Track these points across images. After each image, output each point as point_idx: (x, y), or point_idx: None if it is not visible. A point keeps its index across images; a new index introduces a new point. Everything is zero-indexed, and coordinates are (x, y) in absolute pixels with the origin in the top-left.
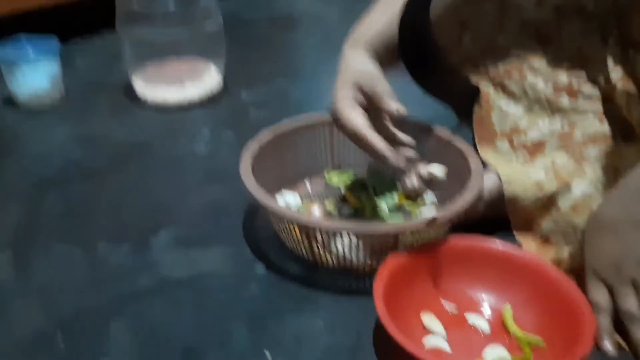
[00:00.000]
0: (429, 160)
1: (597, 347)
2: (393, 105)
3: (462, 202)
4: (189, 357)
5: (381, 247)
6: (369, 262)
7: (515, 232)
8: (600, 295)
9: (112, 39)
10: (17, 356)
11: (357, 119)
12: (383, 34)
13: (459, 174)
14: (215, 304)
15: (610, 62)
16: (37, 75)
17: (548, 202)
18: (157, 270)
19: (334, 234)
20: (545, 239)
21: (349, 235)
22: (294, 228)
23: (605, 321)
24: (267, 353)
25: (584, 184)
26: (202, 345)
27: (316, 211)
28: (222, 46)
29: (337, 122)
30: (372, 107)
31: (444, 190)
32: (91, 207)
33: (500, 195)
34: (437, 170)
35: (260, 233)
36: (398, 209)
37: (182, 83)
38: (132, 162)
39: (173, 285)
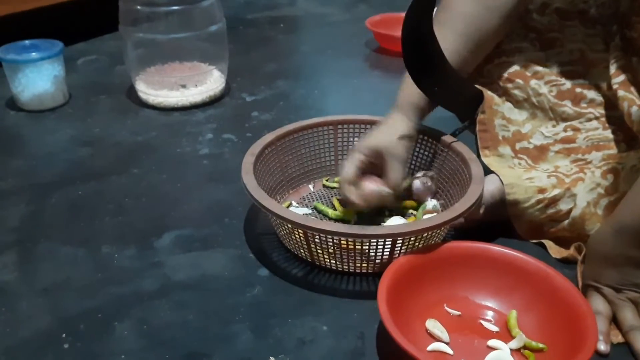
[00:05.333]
0: (431, 166)
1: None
2: (390, 195)
3: (462, 207)
4: (193, 359)
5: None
6: (371, 265)
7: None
8: (600, 305)
9: (115, 41)
10: (22, 357)
11: (346, 173)
12: (418, 93)
13: (460, 179)
14: (218, 307)
15: (612, 68)
16: (40, 77)
17: (550, 207)
18: (161, 272)
19: (332, 238)
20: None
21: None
22: (293, 231)
23: (602, 323)
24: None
25: (587, 191)
26: (205, 347)
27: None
28: (224, 48)
29: (341, 167)
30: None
31: (445, 195)
32: (95, 208)
33: (502, 199)
34: (431, 204)
35: (264, 235)
36: (400, 213)
37: (184, 84)
38: (135, 163)
39: (177, 287)
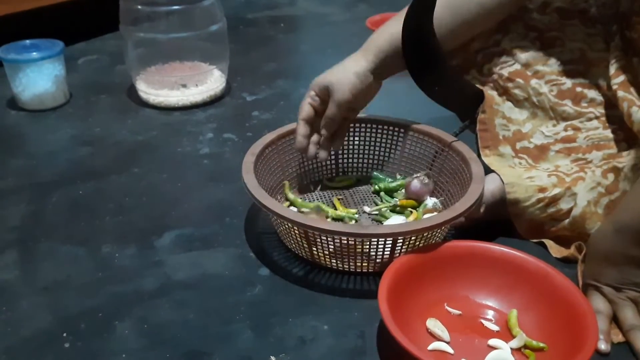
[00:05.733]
0: (432, 166)
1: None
2: (321, 131)
3: (463, 206)
4: (193, 359)
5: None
6: (372, 264)
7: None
8: (601, 304)
9: (115, 41)
10: (23, 356)
11: (302, 111)
12: (395, 38)
13: (461, 178)
14: (219, 306)
15: (611, 68)
16: (41, 76)
17: (550, 207)
18: (161, 271)
19: (332, 237)
20: (559, 242)
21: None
22: (293, 230)
23: (602, 322)
24: (273, 359)
25: (587, 191)
26: (206, 346)
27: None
28: (225, 47)
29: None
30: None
31: (445, 194)
32: (95, 207)
33: (503, 198)
34: (431, 203)
35: (264, 234)
36: (400, 212)
37: (185, 84)
38: (135, 163)
39: (177, 287)
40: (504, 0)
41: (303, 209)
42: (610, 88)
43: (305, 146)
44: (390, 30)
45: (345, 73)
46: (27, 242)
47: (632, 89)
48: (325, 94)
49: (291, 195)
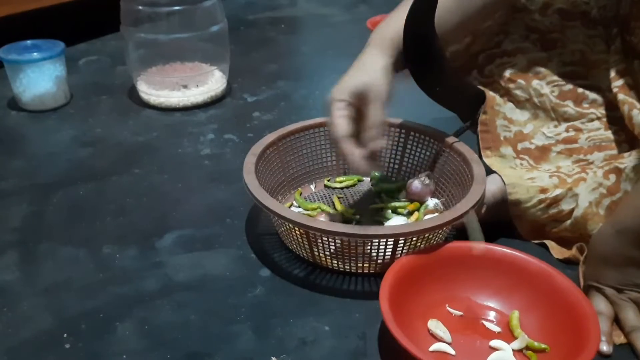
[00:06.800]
0: (433, 167)
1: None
2: (372, 141)
3: (464, 207)
4: (194, 359)
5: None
6: (373, 265)
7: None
8: (602, 305)
9: (116, 41)
10: (24, 357)
11: (341, 128)
12: (397, 29)
13: (462, 179)
14: (220, 307)
15: (612, 72)
16: (42, 77)
17: (552, 207)
18: (162, 272)
19: (334, 238)
20: (560, 243)
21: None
22: (294, 230)
23: (604, 324)
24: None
25: (589, 191)
26: (207, 347)
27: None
28: (226, 48)
29: (327, 123)
30: (360, 119)
31: (447, 195)
32: (96, 208)
33: (504, 199)
34: (432, 204)
35: (265, 235)
36: (402, 213)
37: (185, 85)
38: (136, 163)
39: (178, 288)
40: None
41: (330, 211)
42: (610, 90)
43: (365, 167)
44: (399, 23)
45: (375, 71)
46: (27, 243)
47: (632, 92)
48: (361, 100)
49: (301, 201)
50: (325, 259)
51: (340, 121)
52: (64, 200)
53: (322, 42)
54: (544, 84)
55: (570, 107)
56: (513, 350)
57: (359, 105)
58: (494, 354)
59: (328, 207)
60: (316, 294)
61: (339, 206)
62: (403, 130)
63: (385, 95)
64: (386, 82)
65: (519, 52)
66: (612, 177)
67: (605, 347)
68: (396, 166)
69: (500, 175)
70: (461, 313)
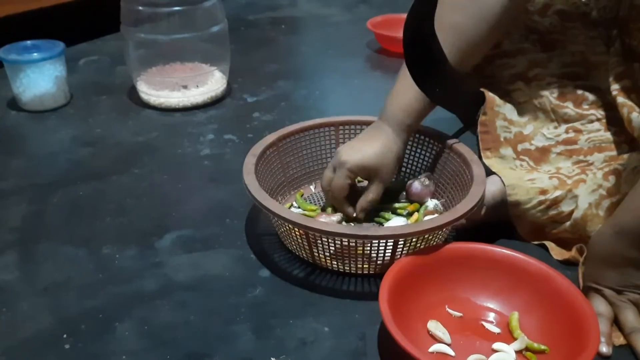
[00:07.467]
0: (433, 167)
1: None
2: (359, 212)
3: (464, 208)
4: None
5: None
6: (373, 266)
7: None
8: (602, 306)
9: (116, 42)
10: (23, 357)
11: (343, 191)
12: (413, 108)
13: (462, 180)
14: (219, 307)
15: (611, 74)
16: (42, 77)
17: (551, 209)
18: (161, 273)
19: (334, 238)
20: (560, 244)
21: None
22: (294, 231)
23: (604, 325)
24: None
25: (589, 193)
26: (206, 347)
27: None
28: (226, 49)
29: (330, 183)
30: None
31: (446, 196)
32: (96, 208)
33: (504, 200)
34: (432, 204)
35: (265, 235)
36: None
37: (185, 85)
38: (136, 164)
39: (178, 288)
40: (505, 14)
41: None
42: (610, 92)
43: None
44: (407, 96)
45: (387, 157)
46: (27, 243)
47: (632, 95)
48: (366, 177)
49: (301, 201)
50: (325, 259)
51: (343, 184)
52: (63, 200)
53: (322, 42)
54: (544, 85)
55: (570, 109)
56: (513, 350)
57: (362, 177)
58: (495, 355)
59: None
60: (316, 294)
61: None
62: None
63: (389, 179)
64: (394, 169)
65: (518, 53)
66: (612, 179)
67: (604, 349)
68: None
69: (500, 176)
70: (461, 314)
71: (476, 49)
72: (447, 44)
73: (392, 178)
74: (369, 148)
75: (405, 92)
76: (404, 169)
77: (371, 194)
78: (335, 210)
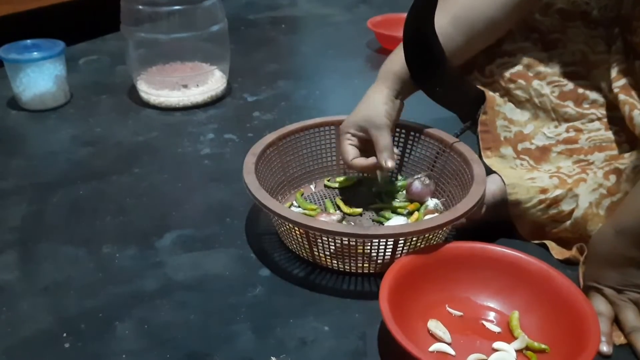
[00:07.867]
0: (433, 167)
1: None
2: (385, 162)
3: (464, 207)
4: (194, 359)
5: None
6: (373, 265)
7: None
8: (602, 305)
9: (116, 41)
10: (23, 357)
11: (349, 153)
12: (396, 54)
13: (462, 179)
14: (219, 307)
15: (613, 72)
16: (42, 76)
17: (552, 208)
18: (162, 272)
19: (334, 237)
20: (560, 243)
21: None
22: (294, 230)
23: (604, 324)
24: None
25: (589, 192)
26: (206, 347)
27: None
28: (226, 48)
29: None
30: (368, 148)
31: (447, 195)
32: (96, 208)
33: (504, 199)
34: (432, 204)
35: (265, 235)
36: (402, 213)
37: (186, 84)
38: (136, 163)
39: (178, 287)
40: (511, 11)
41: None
42: (611, 91)
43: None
44: (402, 55)
45: (375, 105)
46: (27, 243)
47: (633, 93)
48: (363, 131)
49: (301, 201)
50: (325, 259)
51: (348, 148)
52: (63, 200)
53: (322, 42)
54: (545, 84)
55: (570, 108)
56: (513, 350)
57: (365, 137)
58: (495, 355)
59: (333, 208)
60: (316, 294)
61: (344, 208)
62: (403, 130)
63: (387, 122)
64: (387, 112)
65: (519, 52)
66: (613, 178)
67: (605, 348)
68: (396, 166)
69: (500, 176)
70: (461, 313)
71: (483, 27)
72: (451, 16)
73: (387, 124)
74: (359, 106)
75: (396, 56)
76: (404, 168)
77: (379, 143)
78: (336, 209)
